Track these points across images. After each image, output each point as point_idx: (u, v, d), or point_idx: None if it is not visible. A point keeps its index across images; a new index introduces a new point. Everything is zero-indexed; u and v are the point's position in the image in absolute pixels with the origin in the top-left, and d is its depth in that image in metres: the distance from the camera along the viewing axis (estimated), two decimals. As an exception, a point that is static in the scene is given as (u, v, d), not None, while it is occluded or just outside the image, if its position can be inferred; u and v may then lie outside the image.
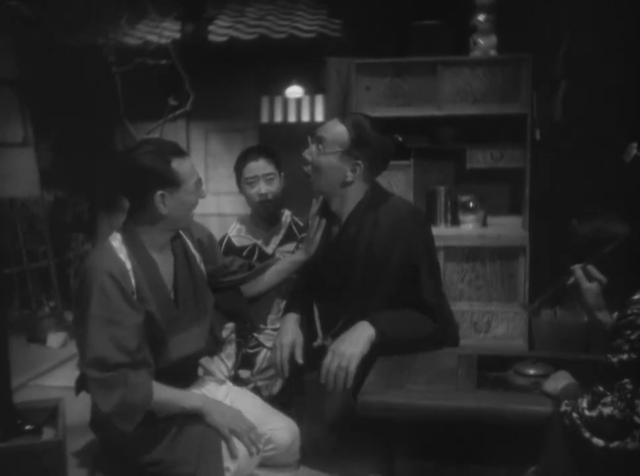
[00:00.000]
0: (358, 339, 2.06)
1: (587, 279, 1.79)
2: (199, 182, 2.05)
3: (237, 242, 2.89)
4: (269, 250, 2.86)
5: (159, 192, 1.94)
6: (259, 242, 2.87)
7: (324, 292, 2.35)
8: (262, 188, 2.79)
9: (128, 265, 1.94)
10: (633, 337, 1.43)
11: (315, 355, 2.24)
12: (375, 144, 2.24)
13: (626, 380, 1.42)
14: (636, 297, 1.50)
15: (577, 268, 1.81)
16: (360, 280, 2.22)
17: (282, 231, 2.89)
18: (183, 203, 2.00)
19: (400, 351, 2.09)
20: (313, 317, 2.39)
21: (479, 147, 4.10)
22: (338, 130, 2.23)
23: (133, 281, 1.94)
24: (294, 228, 2.92)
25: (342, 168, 2.23)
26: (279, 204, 2.88)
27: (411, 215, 2.25)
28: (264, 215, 2.86)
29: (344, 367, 2.01)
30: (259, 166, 2.80)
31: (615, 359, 1.45)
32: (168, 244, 2.09)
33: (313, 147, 2.28)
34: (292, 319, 2.38)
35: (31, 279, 4.67)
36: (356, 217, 2.25)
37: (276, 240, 2.87)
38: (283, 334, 2.33)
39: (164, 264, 2.06)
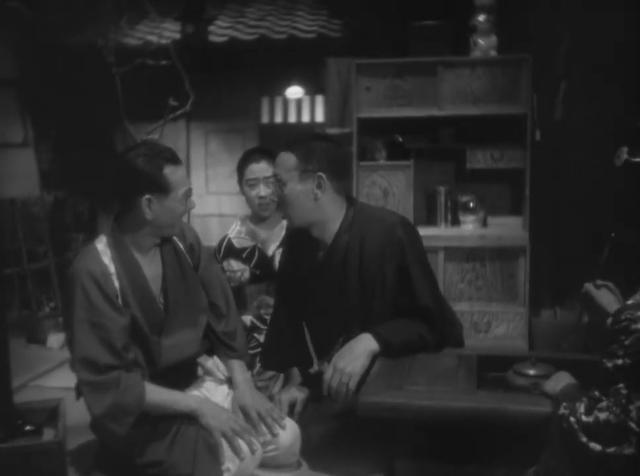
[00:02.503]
0: (359, 354, 2.06)
1: (596, 288, 1.84)
2: (189, 192, 2.02)
3: (237, 243, 2.89)
4: (269, 251, 2.86)
5: (146, 196, 1.93)
6: (259, 243, 2.87)
7: (316, 317, 2.32)
8: (262, 190, 2.79)
9: (112, 268, 1.94)
10: (627, 342, 1.44)
11: (312, 379, 2.27)
12: (326, 151, 2.20)
13: (621, 385, 1.43)
14: (629, 302, 1.50)
15: (587, 285, 1.86)
16: (357, 298, 2.20)
17: (282, 233, 2.89)
18: (169, 211, 1.98)
19: (402, 356, 2.09)
20: (305, 343, 2.38)
21: (479, 147, 4.10)
22: (286, 158, 2.20)
23: (116, 284, 1.93)
24: None
25: (307, 189, 2.18)
26: (278, 206, 2.87)
27: (397, 225, 2.21)
28: (264, 217, 2.86)
29: (345, 384, 2.02)
30: (261, 169, 2.80)
31: (610, 364, 1.45)
32: (156, 248, 2.08)
33: (275, 188, 2.27)
34: (296, 375, 2.39)
35: (31, 279, 4.66)
36: (342, 238, 2.22)
37: (276, 242, 2.87)
38: (286, 390, 2.33)
39: (151, 268, 2.05)
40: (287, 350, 2.40)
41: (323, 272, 2.26)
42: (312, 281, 2.30)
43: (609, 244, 1.86)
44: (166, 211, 1.97)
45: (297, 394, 2.30)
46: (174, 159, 1.98)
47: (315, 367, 2.30)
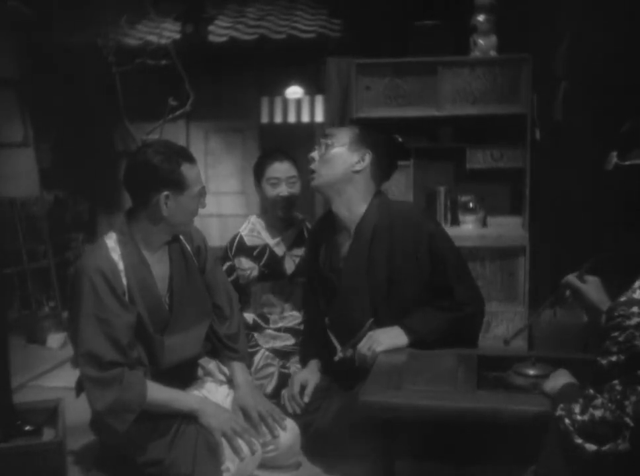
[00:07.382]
0: (393, 336, 2.17)
1: (582, 282, 1.82)
2: (203, 191, 2.06)
3: (248, 241, 2.89)
4: (279, 251, 2.85)
5: (165, 193, 1.95)
6: (271, 243, 2.87)
7: (341, 305, 2.37)
8: (285, 190, 2.78)
9: (120, 265, 1.95)
10: (620, 339, 1.43)
11: (337, 367, 2.33)
12: (380, 141, 2.36)
13: (615, 381, 1.43)
14: (622, 299, 1.50)
15: (570, 277, 1.84)
16: (385, 279, 2.26)
17: (294, 235, 2.89)
18: (184, 208, 2.01)
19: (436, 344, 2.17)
20: (327, 334, 2.44)
21: (479, 147, 4.10)
22: (349, 129, 2.38)
23: (124, 281, 1.94)
24: (305, 232, 2.92)
25: (351, 158, 2.30)
26: (295, 206, 2.88)
27: (424, 215, 2.35)
28: (281, 216, 2.84)
29: (370, 349, 2.14)
30: (284, 169, 2.80)
31: (604, 362, 1.45)
32: (164, 247, 2.09)
33: (322, 143, 2.34)
34: (312, 364, 2.50)
35: (31, 279, 4.66)
36: (370, 221, 2.29)
37: (287, 242, 2.87)
38: (299, 373, 2.48)
39: (159, 267, 2.06)
40: (322, 341, 2.48)
41: (350, 256, 2.32)
42: (339, 268, 2.37)
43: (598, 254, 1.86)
44: (181, 207, 2.00)
45: (309, 376, 2.41)
46: (190, 158, 2.02)
47: (340, 354, 2.34)
